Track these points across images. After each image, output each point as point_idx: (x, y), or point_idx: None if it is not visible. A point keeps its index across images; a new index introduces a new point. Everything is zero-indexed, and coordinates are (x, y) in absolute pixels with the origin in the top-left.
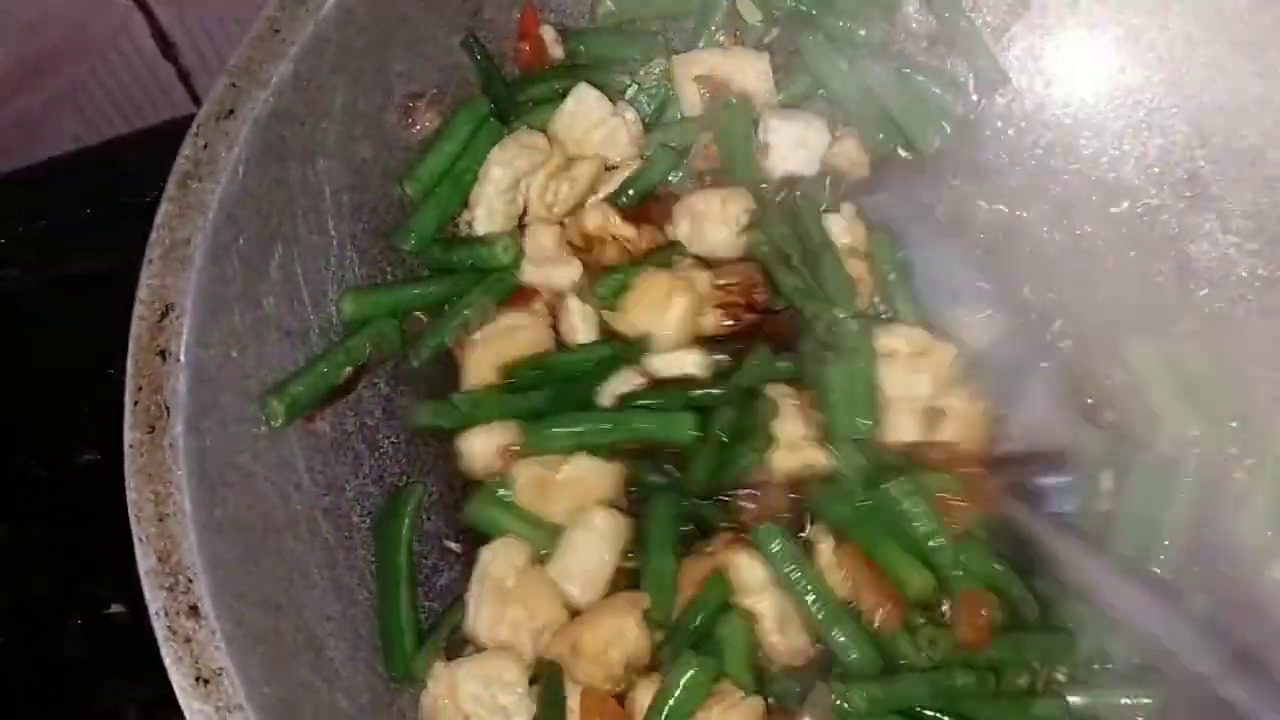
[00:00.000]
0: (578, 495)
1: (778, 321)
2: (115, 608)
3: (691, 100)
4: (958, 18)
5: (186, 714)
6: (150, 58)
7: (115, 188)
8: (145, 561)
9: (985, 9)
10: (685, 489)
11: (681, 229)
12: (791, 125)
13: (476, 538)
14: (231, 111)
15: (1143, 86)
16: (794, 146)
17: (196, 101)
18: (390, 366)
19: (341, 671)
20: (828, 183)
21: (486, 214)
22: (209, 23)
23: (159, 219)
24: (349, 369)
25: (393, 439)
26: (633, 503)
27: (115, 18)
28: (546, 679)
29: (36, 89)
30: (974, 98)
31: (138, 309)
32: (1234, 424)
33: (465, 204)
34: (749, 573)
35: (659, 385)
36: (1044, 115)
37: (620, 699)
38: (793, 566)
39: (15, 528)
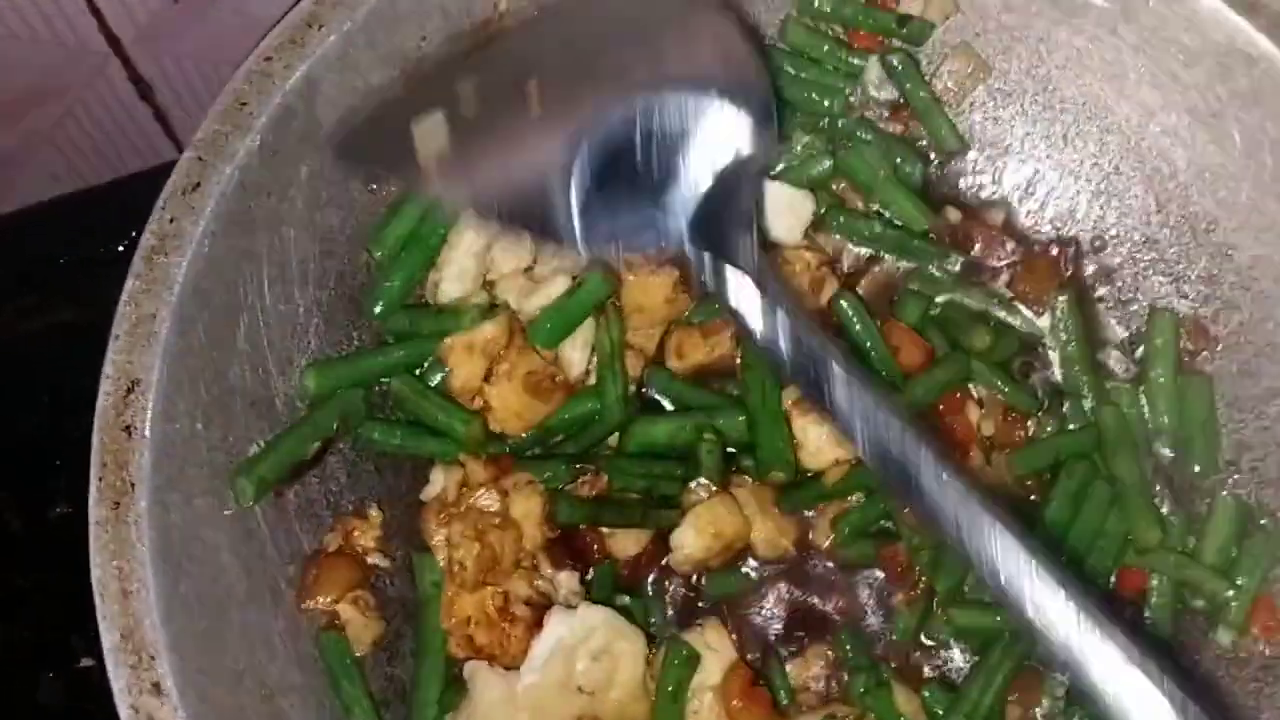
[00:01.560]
0: None
1: None
2: (86, 661)
3: None
4: (918, 88)
5: None
6: (127, 100)
7: (93, 236)
8: (109, 639)
9: (946, 75)
10: None
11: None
12: (780, 191)
13: None
14: (198, 185)
15: (1100, 152)
16: (777, 214)
17: (174, 141)
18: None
19: None
20: None
21: (456, 276)
22: (185, 65)
23: (125, 294)
24: (316, 444)
25: (355, 503)
26: None
27: (92, 62)
28: None
29: (11, 133)
30: (934, 163)
31: (103, 385)
32: None
33: (432, 266)
34: None
35: None
36: (1002, 180)
37: None
38: None
39: None
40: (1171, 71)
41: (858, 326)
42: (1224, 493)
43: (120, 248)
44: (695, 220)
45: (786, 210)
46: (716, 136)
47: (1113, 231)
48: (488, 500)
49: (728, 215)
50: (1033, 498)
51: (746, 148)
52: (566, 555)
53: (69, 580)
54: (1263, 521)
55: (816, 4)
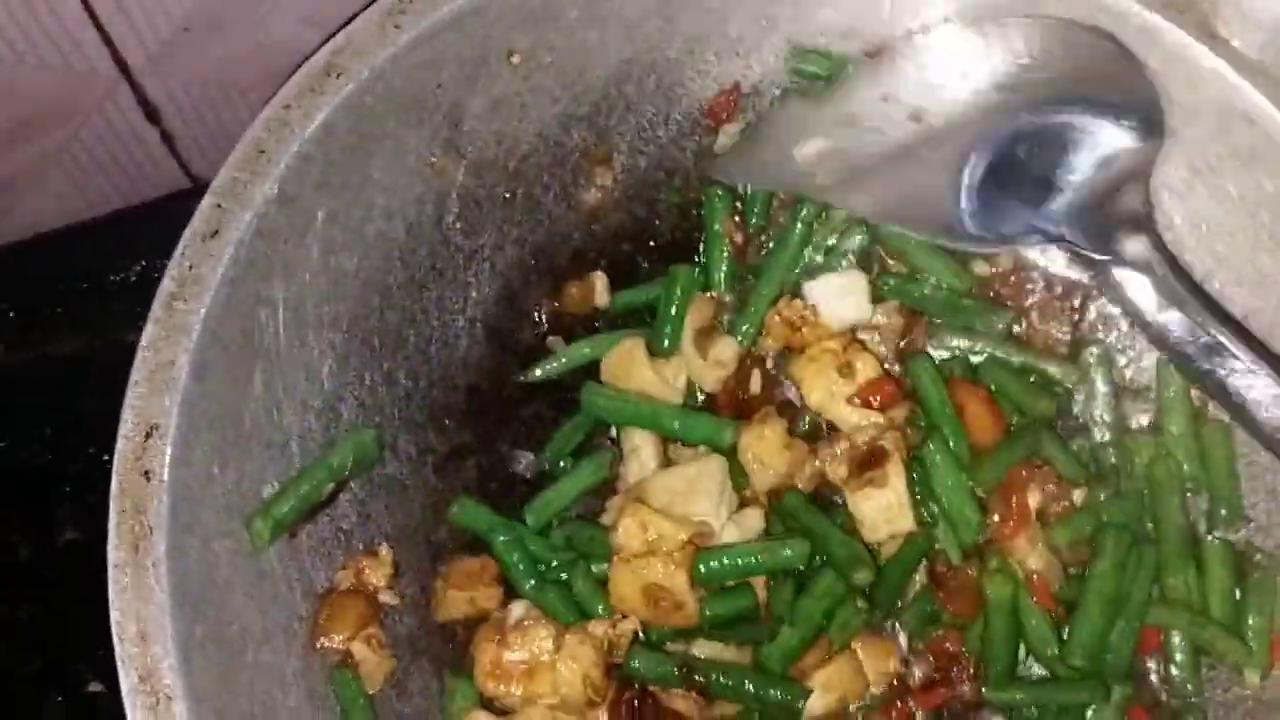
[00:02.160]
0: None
1: None
2: (95, 686)
3: None
4: None
5: None
6: (136, 125)
7: (104, 265)
8: (127, 681)
9: None
10: None
11: None
12: (827, 282)
13: None
14: (216, 233)
15: None
16: (839, 299)
17: (183, 167)
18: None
19: None
20: None
21: None
22: (193, 91)
23: (144, 340)
24: (331, 485)
25: (366, 542)
26: None
27: (100, 87)
28: None
29: (18, 158)
30: None
31: (122, 428)
32: None
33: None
34: None
35: None
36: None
37: None
38: None
39: None
40: (1171, 127)
41: (934, 392)
42: (1210, 537)
43: (129, 276)
44: (1082, 223)
45: (844, 293)
46: (1101, 144)
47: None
48: (544, 633)
49: (1116, 215)
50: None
51: (1132, 152)
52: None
53: (76, 606)
54: (1257, 558)
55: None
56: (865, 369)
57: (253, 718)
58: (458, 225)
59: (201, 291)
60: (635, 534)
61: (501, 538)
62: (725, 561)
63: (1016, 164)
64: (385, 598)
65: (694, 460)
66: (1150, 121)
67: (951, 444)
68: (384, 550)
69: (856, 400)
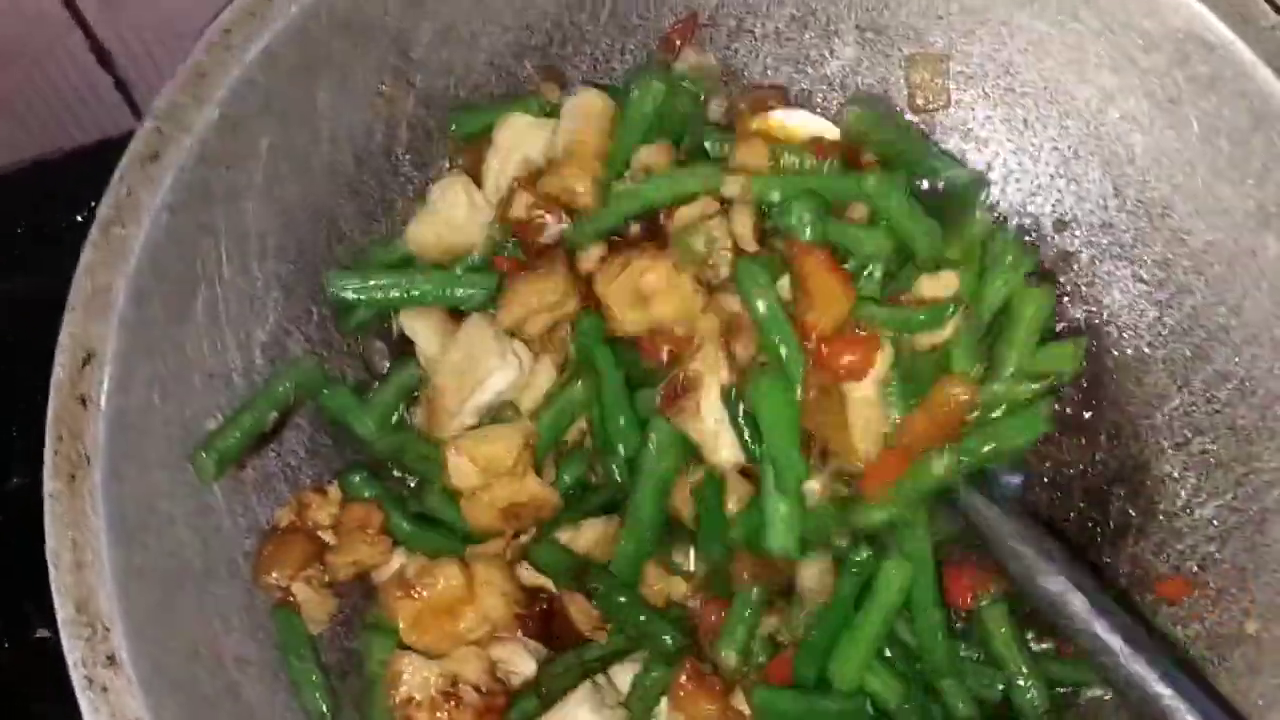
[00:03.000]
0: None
1: None
2: (42, 632)
3: None
4: None
5: None
6: (88, 70)
7: (52, 205)
8: (63, 611)
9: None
10: None
11: None
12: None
13: None
14: (156, 156)
15: (1060, 136)
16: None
17: (135, 111)
18: (312, 406)
19: (259, 714)
20: None
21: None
22: (146, 34)
23: (81, 265)
24: (274, 415)
25: (314, 477)
26: None
27: (52, 31)
28: None
29: None
30: None
31: (58, 357)
32: None
33: None
34: None
35: None
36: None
37: None
38: None
39: None
40: (1131, 57)
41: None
42: None
43: (79, 218)
44: None
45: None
46: None
47: (1071, 215)
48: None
49: None
50: None
51: None
52: (538, 632)
53: (24, 551)
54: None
55: None
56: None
57: (194, 650)
58: (408, 157)
59: (140, 216)
60: (467, 471)
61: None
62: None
63: None
64: (327, 537)
65: (462, 328)
66: None
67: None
68: (333, 489)
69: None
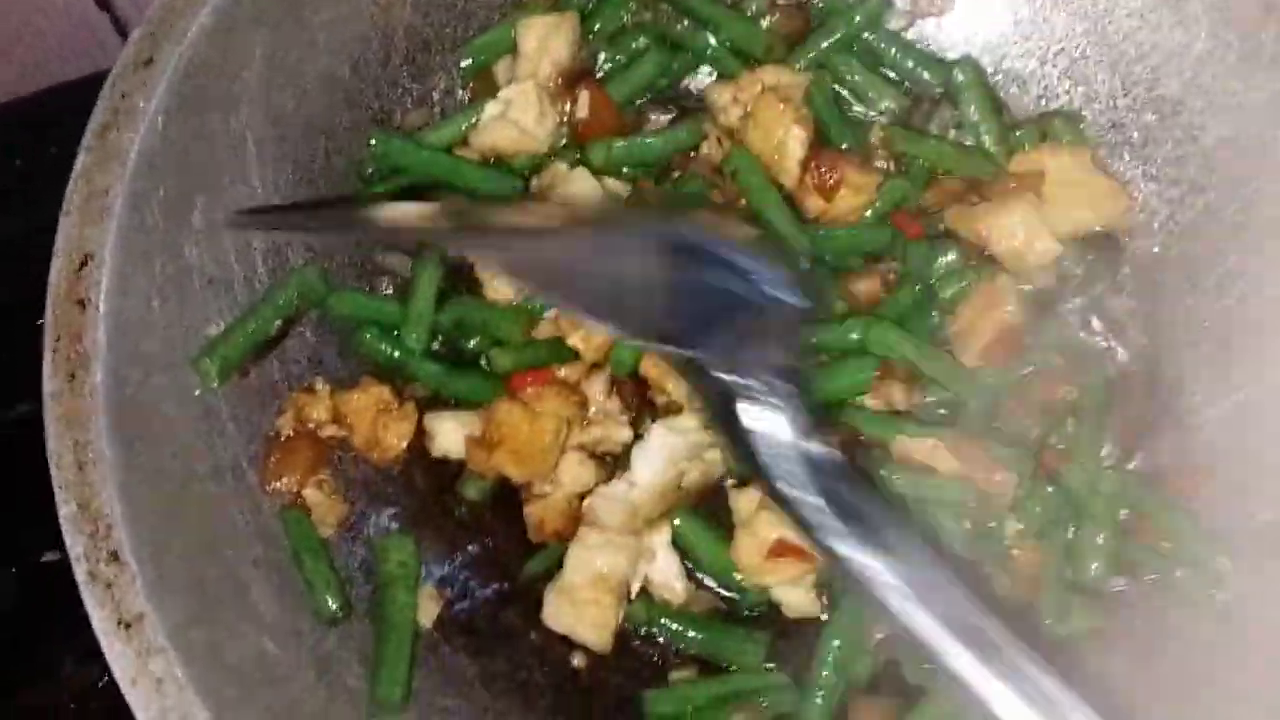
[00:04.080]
0: None
1: None
2: (50, 556)
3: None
4: None
5: (109, 657)
6: (86, 10)
7: (45, 140)
8: (65, 508)
9: None
10: None
11: None
12: None
13: None
14: (150, 61)
15: (1067, 37)
16: None
17: None
18: (315, 315)
19: (267, 615)
20: None
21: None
22: None
23: (77, 169)
24: (278, 322)
25: (318, 387)
26: None
27: None
28: None
29: None
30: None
31: (55, 259)
32: None
33: None
34: None
35: None
36: None
37: None
38: None
39: None
40: None
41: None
42: None
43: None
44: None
45: None
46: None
47: (1079, 116)
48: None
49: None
50: None
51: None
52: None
53: (27, 477)
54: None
55: None
56: None
57: (199, 550)
58: (405, 68)
59: (135, 120)
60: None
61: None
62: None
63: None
64: (329, 431)
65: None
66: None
67: None
68: (320, 385)
69: None
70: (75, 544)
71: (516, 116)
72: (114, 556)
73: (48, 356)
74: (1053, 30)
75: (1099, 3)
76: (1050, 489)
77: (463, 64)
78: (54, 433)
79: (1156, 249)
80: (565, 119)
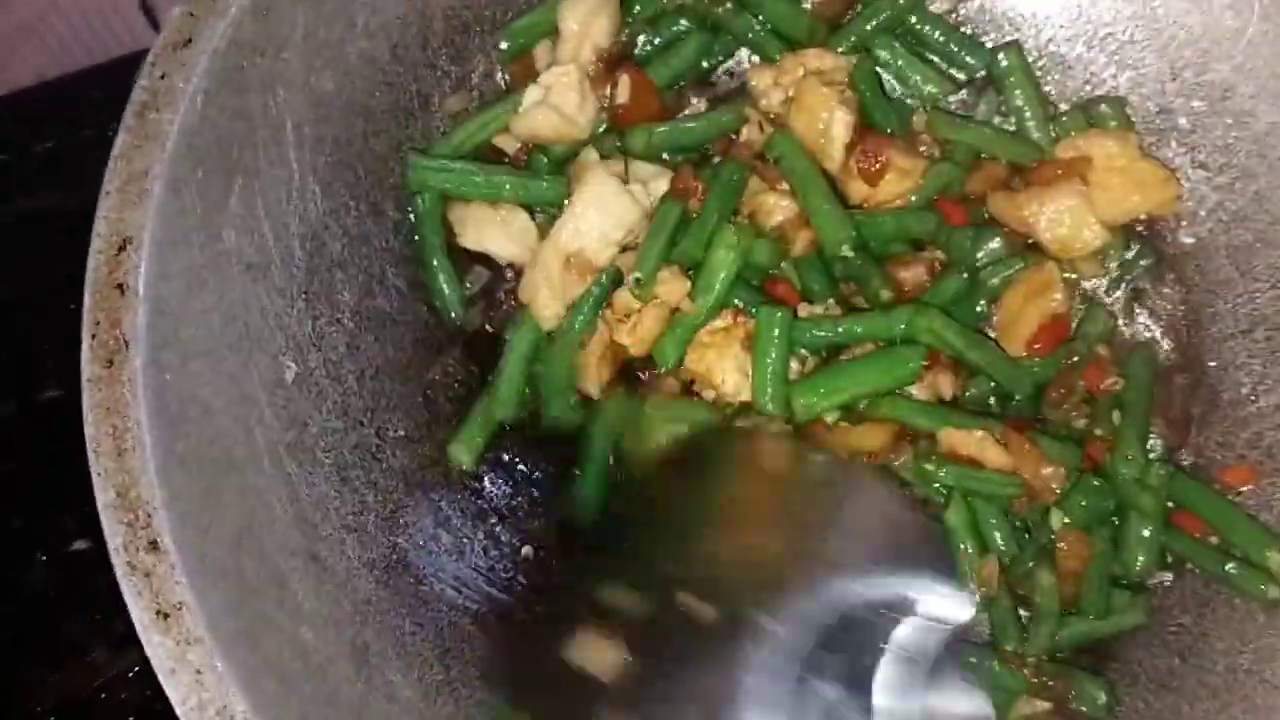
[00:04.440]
0: None
1: None
2: (80, 544)
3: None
4: None
5: (147, 648)
6: None
7: (76, 121)
8: (104, 496)
9: None
10: None
11: None
12: None
13: None
14: (189, 41)
15: (1114, 20)
16: None
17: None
18: (354, 302)
19: (305, 605)
20: None
21: None
22: None
23: (116, 150)
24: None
25: (357, 375)
26: None
27: None
28: None
29: None
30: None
31: (95, 242)
32: None
33: None
34: None
35: None
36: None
37: None
38: None
39: None
40: None
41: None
42: None
43: (109, 132)
44: None
45: None
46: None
47: (1127, 101)
48: None
49: None
50: None
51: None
52: None
53: (59, 464)
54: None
55: None
56: None
57: (237, 538)
58: (444, 50)
59: (174, 101)
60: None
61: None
62: None
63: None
64: None
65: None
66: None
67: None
68: None
69: None
70: (114, 534)
71: (558, 102)
72: (154, 545)
73: (86, 341)
74: (1100, 13)
75: None
76: (1096, 482)
77: (502, 46)
78: (92, 419)
79: (1205, 236)
80: (605, 103)
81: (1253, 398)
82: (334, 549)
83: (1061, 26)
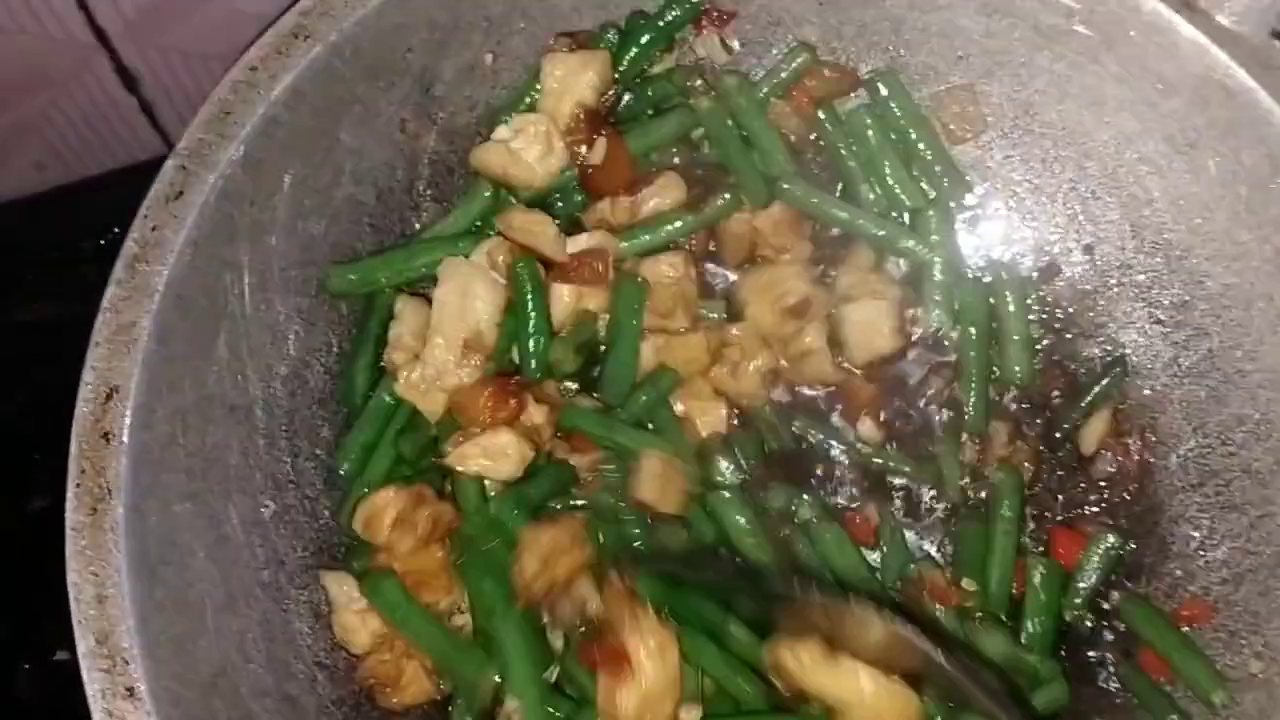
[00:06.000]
0: None
1: None
2: (63, 654)
3: None
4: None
5: None
6: (114, 93)
7: (74, 232)
8: (84, 643)
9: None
10: None
11: None
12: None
13: None
14: (181, 194)
15: (1079, 177)
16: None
17: (161, 134)
18: (333, 437)
19: None
20: None
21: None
22: (172, 58)
23: (105, 302)
24: None
25: (331, 509)
26: None
27: (76, 53)
28: None
29: None
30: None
31: (82, 391)
32: None
33: None
34: None
35: None
36: (987, 207)
37: None
38: None
39: None
40: (1150, 100)
41: None
42: None
43: (103, 242)
44: None
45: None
46: None
47: (1089, 257)
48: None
49: None
50: None
51: None
52: None
53: (46, 573)
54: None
55: None
56: None
57: (213, 682)
58: (429, 192)
59: (164, 253)
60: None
61: None
62: None
63: None
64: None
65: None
66: None
67: None
68: None
69: None
70: (93, 681)
71: (519, 147)
72: (130, 692)
73: (71, 490)
74: (1064, 169)
75: (1111, 145)
76: None
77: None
78: (75, 566)
79: (1160, 389)
80: (580, 160)
81: (1201, 551)
82: (305, 688)
83: (1026, 180)
